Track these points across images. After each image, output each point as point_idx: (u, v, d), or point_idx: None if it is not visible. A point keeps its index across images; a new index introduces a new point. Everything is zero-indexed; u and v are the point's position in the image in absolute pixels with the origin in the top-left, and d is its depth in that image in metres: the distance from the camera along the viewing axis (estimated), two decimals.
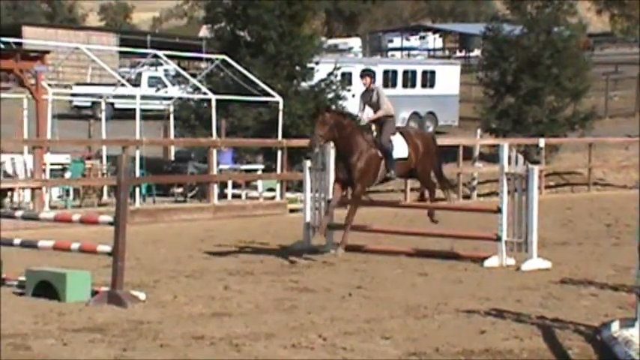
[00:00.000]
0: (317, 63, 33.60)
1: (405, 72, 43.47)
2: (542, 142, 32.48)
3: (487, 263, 15.34)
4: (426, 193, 17.82)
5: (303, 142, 27.49)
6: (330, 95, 33.00)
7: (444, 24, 77.30)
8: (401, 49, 68.24)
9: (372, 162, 16.04)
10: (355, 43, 66.17)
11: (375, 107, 16.40)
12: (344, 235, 16.04)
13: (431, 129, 42.64)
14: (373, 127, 16.36)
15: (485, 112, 39.94)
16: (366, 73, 16.94)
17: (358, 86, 39.66)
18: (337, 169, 16.38)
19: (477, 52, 59.27)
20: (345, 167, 15.96)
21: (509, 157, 15.67)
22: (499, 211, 15.62)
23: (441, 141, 35.67)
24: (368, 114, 16.48)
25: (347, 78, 37.86)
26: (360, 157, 15.86)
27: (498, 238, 15.48)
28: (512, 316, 10.80)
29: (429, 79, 43.88)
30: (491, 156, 32.46)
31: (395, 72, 43.25)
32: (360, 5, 77.94)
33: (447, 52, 70.27)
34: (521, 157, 15.89)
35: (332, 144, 16.36)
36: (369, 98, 16.54)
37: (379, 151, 16.12)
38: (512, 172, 15.54)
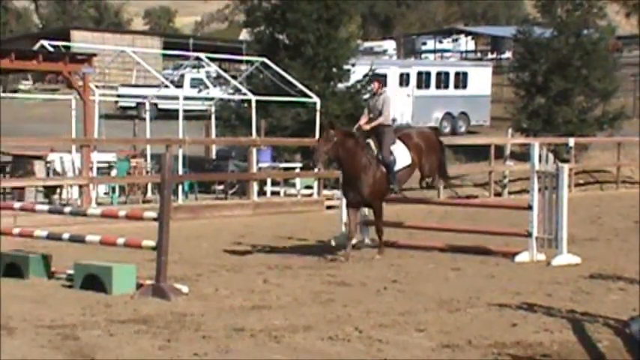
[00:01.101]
0: (353, 65, 33.60)
1: (439, 73, 43.34)
2: (571, 141, 32.31)
3: (518, 259, 15.28)
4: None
5: None
6: (366, 96, 32.94)
7: (476, 27, 76.85)
8: (434, 51, 68.02)
9: (379, 181, 15.65)
10: (390, 45, 66.01)
11: (377, 113, 15.93)
12: (380, 247, 15.93)
13: (463, 129, 42.57)
14: (372, 143, 15.77)
15: (516, 112, 39.83)
16: (376, 78, 16.88)
17: (393, 87, 39.97)
18: (346, 190, 16.00)
19: (508, 54, 59.05)
20: (354, 189, 15.61)
21: (540, 156, 15.60)
22: (530, 208, 15.55)
23: (473, 140, 35.89)
24: (363, 121, 15.98)
25: (382, 80, 37.69)
26: (367, 181, 15.49)
27: (529, 235, 15.42)
28: (542, 309, 10.75)
29: (461, 80, 43.71)
30: (522, 155, 32.26)
31: (428, 73, 43.14)
32: (394, 9, 77.80)
33: (479, 54, 69.95)
34: (551, 156, 15.82)
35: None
36: (374, 102, 16.17)
37: (382, 166, 15.71)
38: (542, 171, 15.48)
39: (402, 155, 15.92)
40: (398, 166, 15.80)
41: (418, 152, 16.20)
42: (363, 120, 16.04)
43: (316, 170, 16.20)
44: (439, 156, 16.86)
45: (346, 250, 15.48)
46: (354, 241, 16.92)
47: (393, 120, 34.07)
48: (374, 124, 15.83)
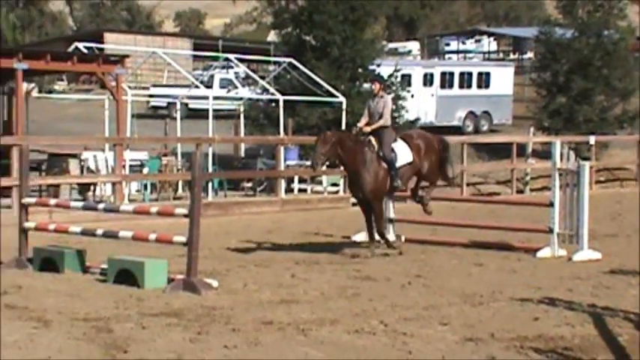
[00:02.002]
0: (378, 65, 33.54)
1: (462, 73, 43.22)
2: (592, 139, 32.14)
3: (540, 254, 15.22)
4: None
5: None
6: (391, 96, 32.93)
7: (498, 28, 76.56)
8: (457, 52, 67.85)
9: (380, 177, 15.34)
10: (414, 46, 65.89)
11: (378, 115, 15.56)
12: (388, 245, 15.67)
13: (486, 127, 42.44)
14: (373, 140, 15.44)
15: (538, 111, 39.73)
16: (376, 79, 16.43)
17: (417, 87, 39.92)
18: (352, 189, 16.06)
19: (530, 55, 58.79)
20: (357, 187, 15.46)
21: (561, 154, 15.56)
22: (551, 204, 15.49)
23: (496, 138, 35.76)
24: (363, 122, 15.67)
25: (406, 79, 37.78)
26: (368, 177, 15.24)
27: (551, 231, 15.36)
28: (563, 304, 10.70)
29: (484, 80, 43.58)
30: (544, 153, 32.23)
31: (452, 74, 43.03)
32: (418, 11, 77.56)
33: (501, 55, 69.69)
34: (572, 154, 15.80)
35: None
36: (374, 104, 15.73)
37: (384, 162, 15.40)
38: (564, 168, 15.43)
39: (403, 153, 15.63)
40: (399, 163, 15.52)
41: (418, 152, 15.89)
42: (362, 121, 15.75)
43: (317, 169, 15.99)
44: (438, 157, 16.38)
45: (370, 248, 15.37)
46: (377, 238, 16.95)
47: (417, 119, 34.34)
48: (374, 126, 15.50)
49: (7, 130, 24.16)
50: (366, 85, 32.62)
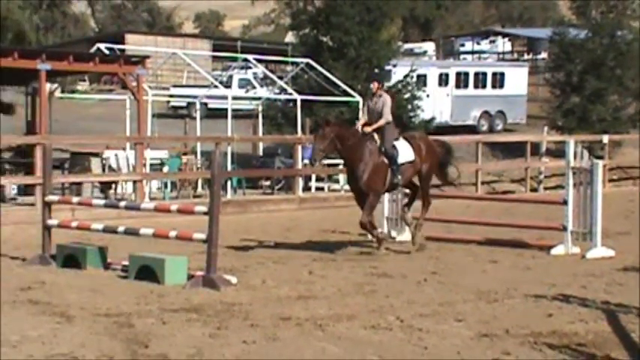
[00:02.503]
0: (394, 66, 33.60)
1: (476, 74, 43.12)
2: (605, 138, 32.07)
3: (554, 251, 15.19)
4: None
5: None
6: (407, 95, 32.93)
7: (512, 29, 76.36)
8: (472, 52, 67.66)
9: (379, 170, 15.08)
10: (429, 47, 65.77)
11: (377, 115, 15.34)
12: (372, 234, 15.41)
13: (500, 127, 42.34)
14: (376, 135, 15.25)
15: (552, 110, 39.61)
16: (375, 79, 16.24)
17: (433, 87, 39.85)
18: (349, 180, 15.72)
19: (543, 55, 58.57)
20: (354, 178, 15.16)
21: (575, 153, 15.50)
22: (565, 203, 15.45)
23: (510, 137, 35.67)
24: (362, 121, 15.50)
25: (422, 80, 37.74)
26: (366, 168, 14.94)
27: (564, 228, 15.32)
28: (577, 300, 10.67)
29: (498, 80, 43.45)
30: (557, 151, 32.06)
31: (467, 74, 42.94)
32: (434, 12, 77.44)
33: (515, 55, 69.45)
34: (586, 153, 15.71)
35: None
36: (373, 104, 15.52)
37: (384, 157, 15.17)
38: (577, 167, 15.37)
39: (405, 151, 15.43)
40: (400, 160, 15.31)
41: (419, 153, 15.67)
42: (362, 121, 15.59)
43: (316, 165, 15.84)
44: (438, 160, 16.23)
45: (379, 242, 15.24)
46: (394, 234, 16.97)
47: (432, 118, 34.30)
48: (375, 126, 15.25)
49: (31, 129, 24.25)
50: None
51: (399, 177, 15.28)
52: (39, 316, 9.56)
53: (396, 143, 15.35)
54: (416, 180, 16.07)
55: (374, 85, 15.80)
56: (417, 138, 16.05)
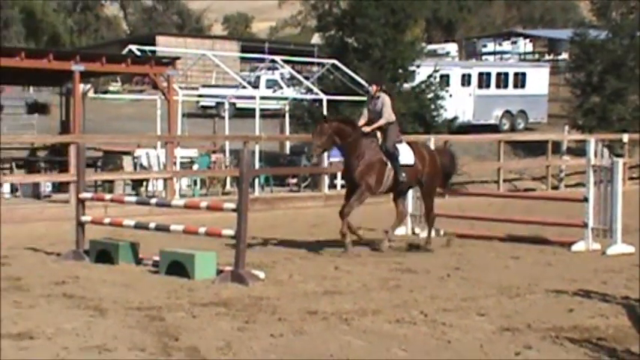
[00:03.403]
0: (418, 66, 33.53)
1: (499, 74, 42.97)
2: (625, 137, 31.88)
3: (574, 248, 15.12)
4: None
5: (406, 138, 27.55)
6: (430, 95, 32.89)
7: (534, 30, 75.99)
8: (494, 53, 67.40)
9: (375, 165, 14.72)
10: (452, 48, 65.57)
11: (378, 116, 15.00)
12: (342, 230, 14.66)
13: (522, 126, 42.17)
14: (378, 133, 14.97)
15: (573, 110, 39.43)
16: (374, 81, 15.84)
17: (455, 87, 39.74)
18: (344, 173, 15.30)
19: (564, 56, 58.29)
20: (349, 169, 14.86)
21: (595, 151, 15.44)
22: (586, 200, 15.38)
23: (532, 136, 35.52)
24: (362, 122, 15.04)
25: (445, 80, 37.67)
26: (361, 160, 14.62)
27: (585, 225, 15.25)
28: (598, 296, 10.61)
29: (520, 80, 43.28)
30: (578, 150, 31.95)
31: (489, 74, 42.80)
32: (457, 14, 77.24)
33: (536, 56, 69.13)
34: (606, 151, 15.65)
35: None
36: (373, 105, 15.17)
37: (384, 156, 14.83)
38: (598, 165, 15.31)
39: (405, 154, 15.08)
40: (401, 162, 14.98)
41: (422, 160, 15.36)
42: (361, 121, 15.13)
43: (314, 160, 15.54)
44: (439, 170, 15.87)
45: (383, 244, 14.70)
46: (417, 230, 16.90)
47: (455, 118, 34.21)
48: (375, 125, 14.93)
49: (65, 128, 24.39)
50: (406, 85, 32.64)
51: (404, 174, 14.95)
52: (73, 309, 9.60)
53: (398, 145, 15.10)
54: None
55: (372, 88, 15.47)
56: (420, 146, 15.75)
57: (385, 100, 15.15)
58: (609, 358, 7.88)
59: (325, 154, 24.37)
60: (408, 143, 15.49)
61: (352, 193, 14.85)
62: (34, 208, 19.97)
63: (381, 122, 14.97)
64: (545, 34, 71.17)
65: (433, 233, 16.01)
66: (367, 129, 14.93)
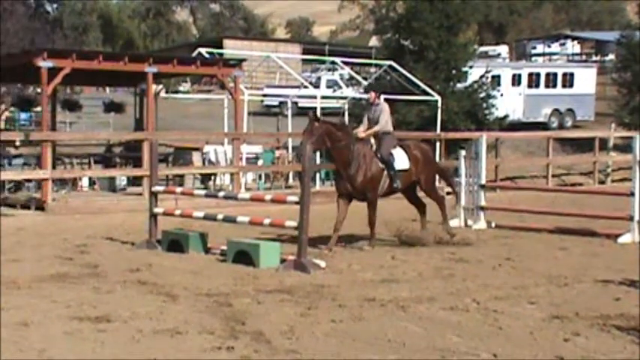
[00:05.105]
0: (470, 67, 33.31)
1: (547, 74, 42.51)
2: None
3: (621, 240, 14.92)
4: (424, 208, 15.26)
5: (458, 135, 27.41)
6: (482, 94, 32.67)
7: (581, 32, 75.05)
8: (543, 54, 66.71)
9: (375, 175, 13.99)
10: (503, 49, 65.00)
11: (374, 122, 14.34)
12: (372, 235, 14.18)
13: (570, 123, 41.69)
14: (372, 140, 14.22)
15: (619, 108, 38.91)
16: (372, 89, 15.17)
17: (506, 87, 39.41)
18: (338, 182, 14.07)
19: (611, 57, 57.52)
20: (347, 179, 13.85)
21: None
22: (632, 194, 15.17)
23: (579, 134, 35.09)
24: (361, 129, 14.35)
25: (496, 80, 37.39)
26: (359, 169, 13.82)
27: (631, 218, 15.06)
28: None
29: (568, 80, 42.77)
30: (624, 146, 31.46)
31: (538, 74, 42.36)
32: (507, 17, 76.58)
33: (584, 57, 68.30)
34: None
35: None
36: (371, 113, 14.48)
37: (380, 162, 14.09)
38: None
39: (400, 159, 14.35)
40: (396, 168, 14.26)
41: (416, 163, 14.60)
42: (361, 129, 14.39)
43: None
44: (435, 169, 15.34)
45: (330, 241, 13.68)
46: (470, 222, 16.76)
47: (506, 116, 33.94)
48: (369, 132, 14.23)
49: (139, 126, 24.63)
50: (459, 85, 32.44)
51: (399, 182, 14.25)
52: (147, 295, 9.70)
53: (392, 151, 14.34)
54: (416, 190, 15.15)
55: (371, 95, 14.85)
56: (412, 147, 14.84)
57: (384, 108, 14.54)
58: None
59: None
60: (402, 147, 14.69)
61: (345, 200, 14.03)
62: (110, 201, 20.20)
63: (376, 129, 14.26)
64: (592, 36, 70.24)
65: (485, 225, 15.92)
66: (362, 134, 14.24)
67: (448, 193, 17.50)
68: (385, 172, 14.20)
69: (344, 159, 13.79)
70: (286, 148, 26.76)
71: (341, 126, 14.50)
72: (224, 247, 12.52)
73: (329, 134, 13.67)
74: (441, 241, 14.49)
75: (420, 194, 15.37)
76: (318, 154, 24.16)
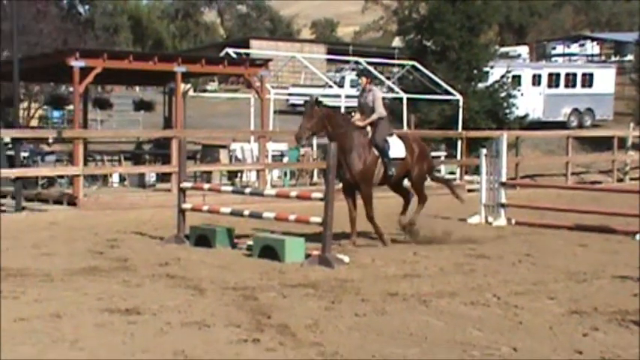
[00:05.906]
0: (491, 67, 33.21)
1: (567, 74, 42.31)
2: None
3: (639, 237, 14.81)
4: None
5: (480, 134, 27.31)
6: (503, 94, 32.56)
7: (601, 33, 74.59)
8: (563, 55, 66.36)
9: (369, 161, 13.65)
10: (523, 50, 64.71)
11: (369, 109, 13.90)
12: (377, 232, 13.96)
13: (589, 122, 41.47)
14: (369, 128, 13.84)
15: (638, 108, 38.64)
16: (364, 74, 14.97)
17: (526, 87, 39.25)
18: (339, 170, 13.21)
19: (630, 57, 57.13)
20: (346, 166, 13.47)
21: None
22: None
23: (598, 132, 34.89)
24: (357, 117, 13.95)
25: (517, 80, 37.27)
26: (359, 159, 13.52)
27: None
28: None
29: (587, 80, 42.56)
30: None
31: (558, 74, 42.18)
32: (528, 18, 76.21)
33: (603, 57, 67.87)
34: None
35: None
36: (364, 99, 14.04)
37: (375, 150, 13.75)
38: None
39: (396, 147, 14.03)
40: (392, 155, 13.93)
41: (412, 154, 14.31)
42: (356, 116, 14.04)
43: (302, 143, 13.87)
44: (429, 165, 15.00)
45: (351, 237, 13.58)
46: (490, 219, 16.70)
47: (526, 115, 33.79)
48: (368, 120, 13.83)
49: (168, 124, 24.69)
50: (480, 85, 32.35)
51: (393, 169, 13.91)
52: (175, 288, 9.73)
53: (388, 139, 14.02)
54: (406, 182, 14.89)
55: (362, 81, 14.39)
56: (410, 139, 14.63)
57: (376, 94, 14.20)
58: None
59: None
60: (399, 136, 14.51)
61: (349, 190, 13.91)
62: (140, 196, 20.26)
63: (374, 117, 13.90)
64: (611, 36, 69.79)
65: (505, 222, 15.86)
66: (360, 123, 13.88)
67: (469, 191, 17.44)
68: (380, 160, 13.86)
69: (344, 146, 13.39)
70: (311, 145, 26.73)
71: (341, 114, 14.29)
72: (250, 242, 12.54)
73: (329, 118, 13.39)
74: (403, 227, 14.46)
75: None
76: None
